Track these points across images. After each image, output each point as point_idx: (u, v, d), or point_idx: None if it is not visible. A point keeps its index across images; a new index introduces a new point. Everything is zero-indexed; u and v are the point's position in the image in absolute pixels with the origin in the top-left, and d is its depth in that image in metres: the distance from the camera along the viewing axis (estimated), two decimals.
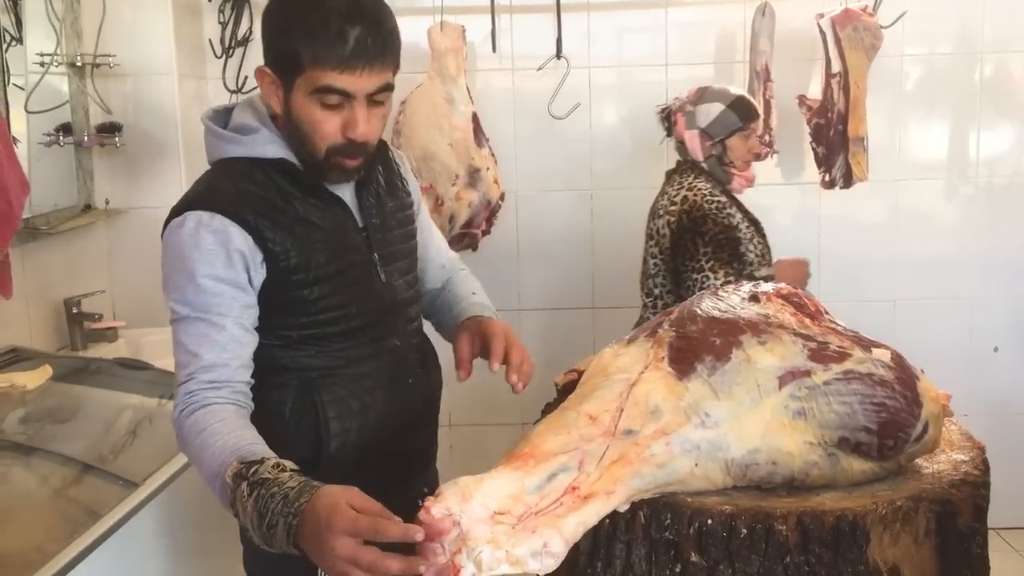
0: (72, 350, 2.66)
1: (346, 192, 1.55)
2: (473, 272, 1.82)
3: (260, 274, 1.44)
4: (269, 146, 1.48)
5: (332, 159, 1.45)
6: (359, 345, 1.54)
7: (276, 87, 1.44)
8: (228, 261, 1.41)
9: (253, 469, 1.21)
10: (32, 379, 2.16)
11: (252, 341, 1.44)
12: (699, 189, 2.42)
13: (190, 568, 2.02)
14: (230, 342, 1.40)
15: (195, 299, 1.39)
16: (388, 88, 1.44)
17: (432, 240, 1.78)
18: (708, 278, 2.34)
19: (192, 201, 1.44)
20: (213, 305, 1.39)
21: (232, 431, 1.32)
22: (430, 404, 1.68)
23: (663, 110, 2.59)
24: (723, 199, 2.43)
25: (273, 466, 1.22)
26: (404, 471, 1.63)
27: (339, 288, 1.50)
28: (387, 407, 1.56)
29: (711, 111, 2.46)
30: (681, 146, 2.53)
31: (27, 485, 1.83)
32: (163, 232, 1.46)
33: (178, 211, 1.44)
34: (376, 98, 1.43)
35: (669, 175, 2.57)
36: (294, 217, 1.47)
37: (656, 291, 2.51)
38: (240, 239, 1.41)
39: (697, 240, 2.37)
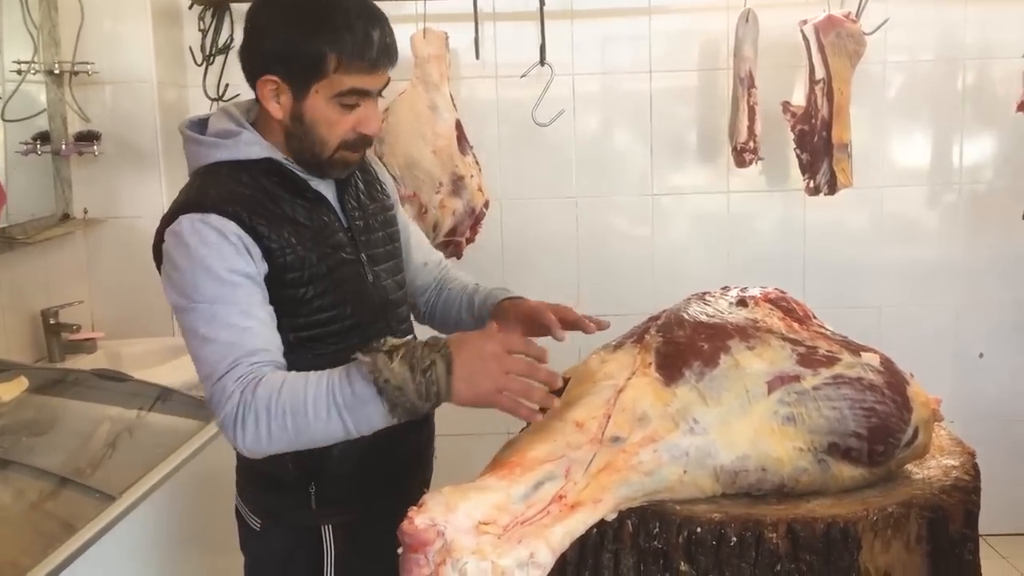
0: (49, 362, 2.62)
1: (329, 194, 1.54)
2: None
3: (263, 267, 1.42)
4: (253, 147, 1.47)
5: (338, 155, 1.47)
6: (354, 346, 1.51)
7: (281, 93, 1.43)
8: (236, 251, 1.38)
9: (382, 341, 1.26)
10: (7, 391, 2.12)
11: (275, 326, 1.41)
12: None
13: None
14: (262, 328, 1.36)
15: (216, 292, 1.35)
16: (388, 82, 1.49)
17: (412, 240, 1.77)
18: None
19: (184, 205, 1.42)
20: (234, 296, 1.36)
21: (313, 372, 1.31)
22: None
23: None
24: None
25: (395, 336, 1.29)
26: (404, 470, 1.62)
27: (331, 287, 1.49)
28: None
29: None
30: None
31: (2, 499, 1.79)
32: (156, 241, 1.43)
33: (171, 217, 1.42)
34: (381, 92, 1.47)
35: None
36: (282, 217, 1.45)
37: None
38: (239, 232, 1.39)
39: None
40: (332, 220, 1.52)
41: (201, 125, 1.53)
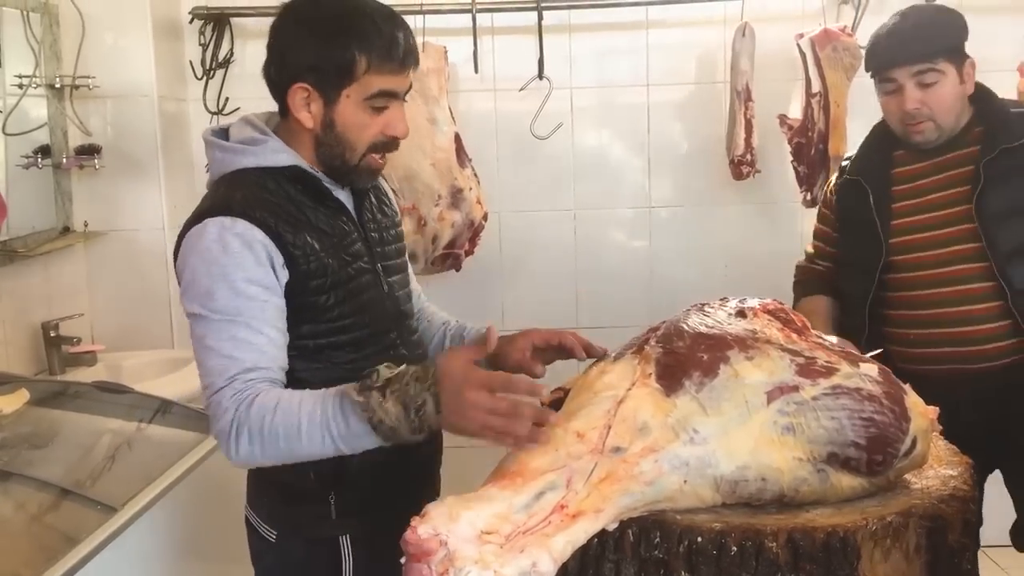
0: (50, 374, 2.63)
1: (348, 204, 1.56)
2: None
3: (284, 275, 1.43)
4: (280, 154, 1.48)
5: (366, 159, 1.50)
6: (369, 356, 1.52)
7: (312, 101, 1.45)
8: (257, 261, 1.39)
9: (373, 377, 1.26)
10: (8, 403, 2.12)
11: (285, 344, 1.43)
12: None
13: None
14: (268, 345, 1.38)
15: (229, 303, 1.37)
16: (411, 85, 1.52)
17: None
18: None
19: (210, 209, 1.43)
20: (247, 308, 1.37)
21: (306, 392, 1.33)
22: None
23: None
24: None
25: (386, 367, 1.28)
26: (418, 480, 1.63)
27: (350, 295, 1.50)
28: None
29: None
30: None
31: (3, 511, 1.79)
32: (178, 244, 1.44)
33: (197, 219, 1.42)
34: (406, 96, 1.51)
35: None
36: (306, 224, 1.47)
37: None
38: (264, 239, 1.40)
39: None
40: (351, 229, 1.53)
41: (222, 134, 1.54)
